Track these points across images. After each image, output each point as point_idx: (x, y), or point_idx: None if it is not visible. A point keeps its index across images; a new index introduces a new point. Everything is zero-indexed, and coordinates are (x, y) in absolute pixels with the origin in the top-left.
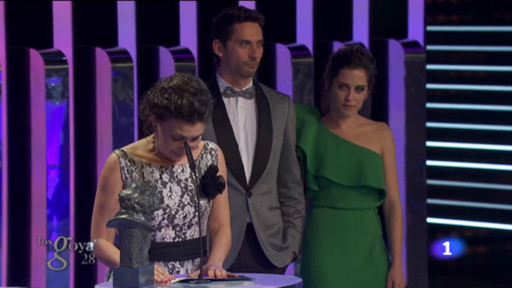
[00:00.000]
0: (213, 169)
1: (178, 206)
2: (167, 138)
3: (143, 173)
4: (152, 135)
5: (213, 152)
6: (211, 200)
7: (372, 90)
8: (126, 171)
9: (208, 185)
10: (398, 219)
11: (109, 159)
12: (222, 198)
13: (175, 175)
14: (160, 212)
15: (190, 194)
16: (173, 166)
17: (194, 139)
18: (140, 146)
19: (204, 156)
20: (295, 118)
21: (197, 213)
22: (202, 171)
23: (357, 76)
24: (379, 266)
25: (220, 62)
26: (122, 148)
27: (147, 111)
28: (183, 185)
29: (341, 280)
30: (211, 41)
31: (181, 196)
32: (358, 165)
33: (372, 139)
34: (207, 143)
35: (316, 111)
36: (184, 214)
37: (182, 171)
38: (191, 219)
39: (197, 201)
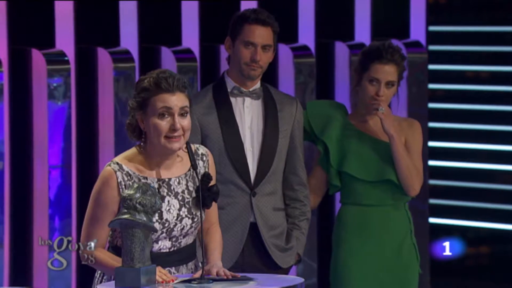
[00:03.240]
0: (207, 177)
1: (176, 219)
2: (155, 123)
3: None
4: (137, 145)
5: (204, 158)
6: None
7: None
8: (123, 186)
9: (205, 197)
10: (416, 171)
11: (104, 173)
12: None
13: (172, 188)
14: (160, 227)
15: (187, 206)
16: (169, 179)
17: (183, 114)
18: (133, 157)
19: (197, 163)
20: (303, 120)
21: (194, 224)
22: (197, 180)
23: (388, 72)
24: (409, 264)
25: (229, 61)
26: (116, 161)
27: (132, 117)
28: (180, 198)
29: (368, 278)
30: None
31: (179, 210)
32: (381, 160)
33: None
34: (197, 147)
35: (343, 107)
36: (182, 227)
37: (179, 183)
38: (187, 230)
39: (200, 203)
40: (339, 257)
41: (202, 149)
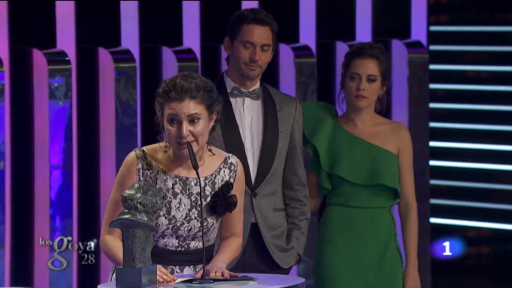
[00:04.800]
0: (227, 186)
1: (184, 219)
2: (167, 128)
3: (157, 179)
4: (161, 142)
5: (232, 167)
6: (219, 218)
7: (388, 86)
8: (141, 174)
9: (218, 204)
10: (413, 220)
11: (128, 157)
12: (237, 210)
13: (187, 187)
14: (165, 221)
15: (199, 209)
16: (187, 178)
17: (193, 121)
18: (158, 151)
19: (222, 170)
20: (302, 120)
21: (203, 228)
22: (217, 187)
23: (368, 66)
24: (393, 266)
25: (228, 61)
26: (144, 148)
27: (156, 118)
28: (193, 199)
29: (353, 279)
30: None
31: (189, 210)
32: (373, 164)
33: (388, 138)
34: (228, 156)
35: (333, 109)
36: (189, 228)
37: (196, 184)
38: (196, 233)
39: (200, 206)
40: (323, 257)
41: (233, 159)
